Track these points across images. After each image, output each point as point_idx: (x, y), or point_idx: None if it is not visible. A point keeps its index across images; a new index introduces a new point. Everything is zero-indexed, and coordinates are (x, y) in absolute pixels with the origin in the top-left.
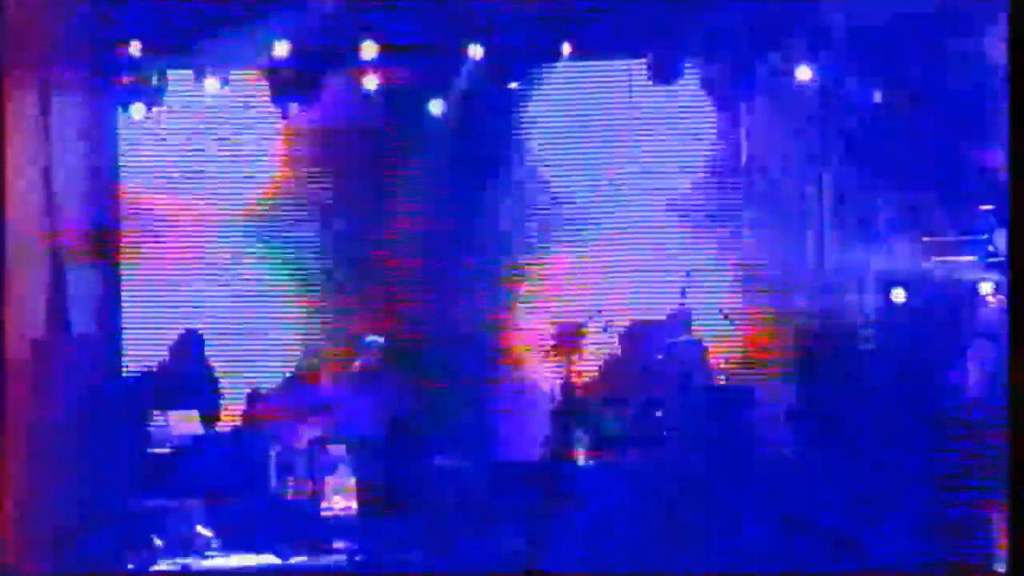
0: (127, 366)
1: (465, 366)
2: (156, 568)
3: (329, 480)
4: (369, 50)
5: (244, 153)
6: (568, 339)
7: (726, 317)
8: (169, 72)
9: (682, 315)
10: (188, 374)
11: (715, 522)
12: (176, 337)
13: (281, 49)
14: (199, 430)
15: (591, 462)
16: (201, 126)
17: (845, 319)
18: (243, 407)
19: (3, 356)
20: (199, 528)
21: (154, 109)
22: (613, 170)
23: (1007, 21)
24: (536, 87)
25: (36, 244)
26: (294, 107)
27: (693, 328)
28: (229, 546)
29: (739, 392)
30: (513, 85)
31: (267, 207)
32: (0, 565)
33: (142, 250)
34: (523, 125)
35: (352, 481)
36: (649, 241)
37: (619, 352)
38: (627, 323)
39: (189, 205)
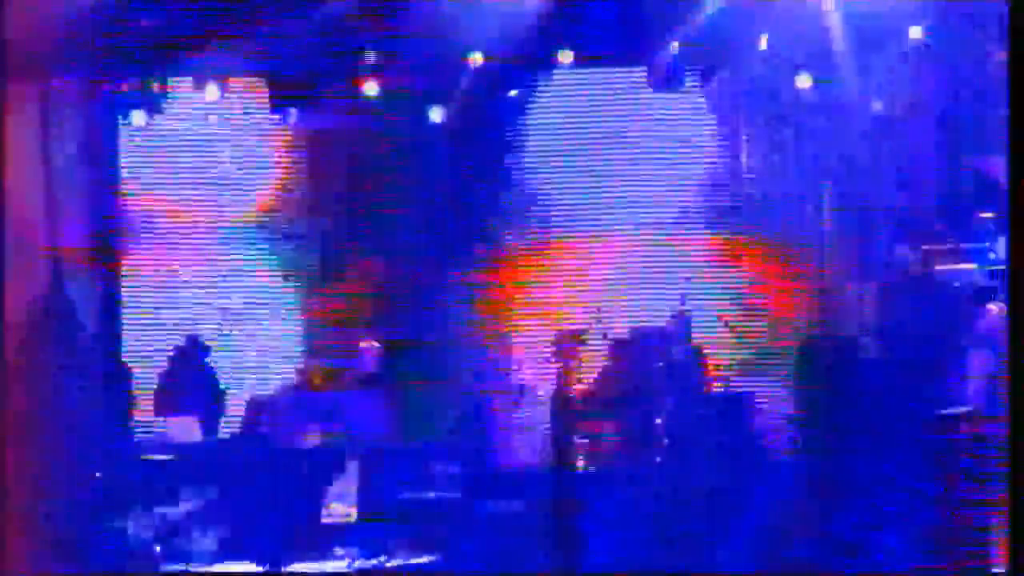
0: (127, 370)
1: (463, 372)
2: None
3: (330, 486)
4: (371, 57)
5: (244, 159)
6: (568, 345)
7: (726, 324)
8: (170, 78)
9: (682, 322)
10: (189, 379)
11: (714, 527)
12: (177, 342)
13: (281, 56)
14: (198, 435)
15: (590, 468)
16: (201, 132)
17: (846, 327)
18: (243, 413)
19: (3, 357)
20: (198, 535)
21: (155, 115)
22: (614, 178)
23: (1007, 24)
24: (536, 95)
25: (36, 247)
26: (294, 113)
27: (693, 335)
28: (228, 552)
29: (738, 399)
30: (513, 93)
31: (266, 212)
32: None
33: (143, 254)
34: (523, 132)
35: (354, 487)
36: (649, 247)
37: (619, 358)
38: (627, 329)
39: (189, 210)
